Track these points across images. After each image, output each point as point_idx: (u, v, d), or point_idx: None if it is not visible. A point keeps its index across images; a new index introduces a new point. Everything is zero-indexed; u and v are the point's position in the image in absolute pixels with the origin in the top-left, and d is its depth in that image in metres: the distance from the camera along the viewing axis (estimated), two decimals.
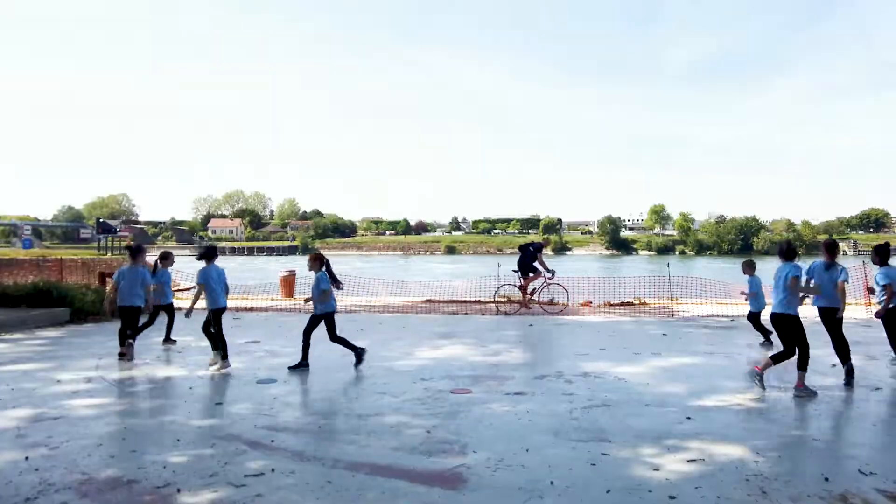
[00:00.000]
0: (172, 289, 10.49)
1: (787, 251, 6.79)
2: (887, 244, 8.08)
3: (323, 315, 8.01)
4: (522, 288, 14.60)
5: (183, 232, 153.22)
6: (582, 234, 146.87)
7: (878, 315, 7.83)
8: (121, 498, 3.82)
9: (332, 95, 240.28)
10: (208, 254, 8.35)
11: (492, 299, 15.26)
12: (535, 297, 14.54)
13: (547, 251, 15.95)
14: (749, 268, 10.02)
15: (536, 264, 14.32)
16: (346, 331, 11.30)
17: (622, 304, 15.96)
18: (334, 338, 8.15)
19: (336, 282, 8.22)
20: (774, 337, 8.09)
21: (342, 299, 17.01)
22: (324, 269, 8.03)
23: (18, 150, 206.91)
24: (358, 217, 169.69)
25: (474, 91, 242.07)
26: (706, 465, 4.35)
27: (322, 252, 8.28)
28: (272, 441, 4.92)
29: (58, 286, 13.09)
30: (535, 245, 14.64)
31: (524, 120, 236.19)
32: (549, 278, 14.41)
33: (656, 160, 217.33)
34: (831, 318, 7.07)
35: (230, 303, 16.08)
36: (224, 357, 7.92)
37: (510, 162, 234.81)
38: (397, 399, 6.32)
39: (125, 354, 8.36)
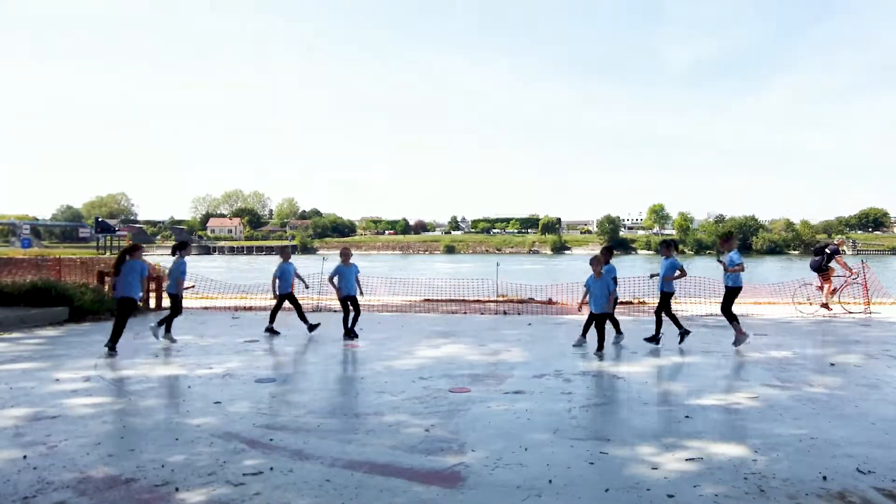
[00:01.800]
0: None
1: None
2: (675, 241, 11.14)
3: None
4: (821, 288, 14.67)
5: (182, 231, 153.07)
6: (581, 233, 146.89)
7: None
8: (119, 496, 3.81)
9: (332, 95, 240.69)
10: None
11: (791, 301, 14.88)
12: (836, 297, 14.51)
13: (546, 250, 15.98)
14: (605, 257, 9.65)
15: (833, 264, 14.44)
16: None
17: (620, 303, 15.94)
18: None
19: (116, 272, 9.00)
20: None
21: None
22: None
23: (18, 150, 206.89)
24: (357, 216, 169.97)
25: (474, 91, 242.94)
26: (704, 464, 4.35)
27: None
28: (270, 440, 4.92)
29: (56, 285, 13.06)
30: (831, 247, 14.69)
31: (524, 120, 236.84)
32: (852, 278, 14.54)
33: (656, 160, 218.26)
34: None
35: (230, 302, 16.14)
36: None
37: (510, 162, 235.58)
38: (396, 398, 6.32)
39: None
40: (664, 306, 9.61)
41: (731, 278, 9.32)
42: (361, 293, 10.55)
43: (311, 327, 10.82)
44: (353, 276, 10.40)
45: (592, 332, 9.27)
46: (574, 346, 9.47)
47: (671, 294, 9.74)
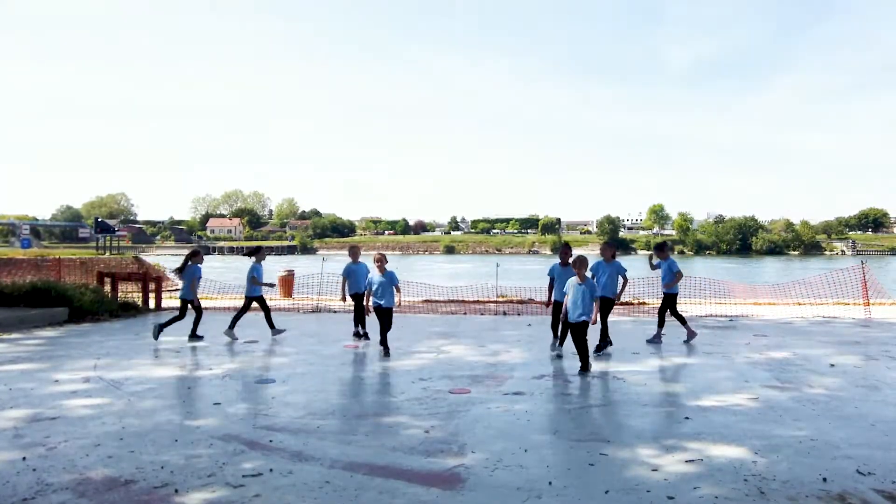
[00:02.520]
0: (168, 288, 10.42)
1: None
2: (665, 242, 10.86)
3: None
4: None
5: (181, 231, 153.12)
6: (581, 233, 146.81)
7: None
8: (118, 498, 3.81)
9: (332, 95, 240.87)
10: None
11: None
12: None
13: (545, 251, 15.99)
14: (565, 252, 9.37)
15: None
16: (345, 330, 11.31)
17: (621, 303, 15.93)
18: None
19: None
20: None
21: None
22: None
23: (18, 150, 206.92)
24: (357, 216, 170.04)
25: (474, 91, 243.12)
26: (704, 466, 4.34)
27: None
28: (270, 441, 4.92)
29: (56, 286, 13.06)
30: None
31: (523, 120, 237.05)
32: None
33: (656, 160, 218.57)
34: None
35: (230, 302, 16.11)
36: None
37: (510, 162, 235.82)
38: (396, 399, 6.32)
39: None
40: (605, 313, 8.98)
41: (670, 285, 9.99)
42: (399, 303, 9.37)
43: (363, 335, 10.27)
44: (390, 285, 9.14)
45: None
46: (553, 354, 8.88)
47: (612, 301, 9.09)
